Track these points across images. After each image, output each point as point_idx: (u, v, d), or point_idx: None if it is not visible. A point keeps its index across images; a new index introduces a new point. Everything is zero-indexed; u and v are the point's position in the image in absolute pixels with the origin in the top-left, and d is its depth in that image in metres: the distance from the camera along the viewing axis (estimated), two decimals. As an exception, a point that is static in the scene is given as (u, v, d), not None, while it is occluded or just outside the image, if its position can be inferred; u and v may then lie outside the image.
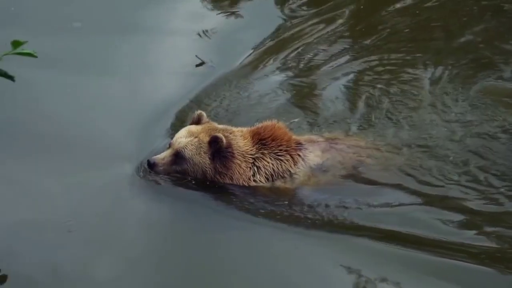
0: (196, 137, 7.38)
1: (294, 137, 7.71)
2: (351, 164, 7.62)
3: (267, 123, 7.68)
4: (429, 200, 7.42)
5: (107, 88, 9.11)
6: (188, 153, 7.34)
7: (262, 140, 7.56)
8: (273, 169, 7.49)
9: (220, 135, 7.33)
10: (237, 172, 7.42)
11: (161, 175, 7.49)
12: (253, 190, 7.50)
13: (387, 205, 7.36)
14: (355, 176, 7.60)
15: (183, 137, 7.41)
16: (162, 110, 8.69)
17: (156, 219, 7.27)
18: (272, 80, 9.46)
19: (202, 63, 9.76)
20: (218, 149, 7.34)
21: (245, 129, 7.67)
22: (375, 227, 7.08)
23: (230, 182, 7.46)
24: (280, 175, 7.52)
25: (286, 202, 7.38)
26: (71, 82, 9.10)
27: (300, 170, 7.52)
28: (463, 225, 7.11)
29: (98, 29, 10.27)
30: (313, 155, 7.59)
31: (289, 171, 7.51)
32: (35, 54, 4.78)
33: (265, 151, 7.51)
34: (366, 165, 7.62)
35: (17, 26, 9.65)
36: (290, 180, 7.52)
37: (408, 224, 7.11)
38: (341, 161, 7.60)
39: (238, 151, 7.45)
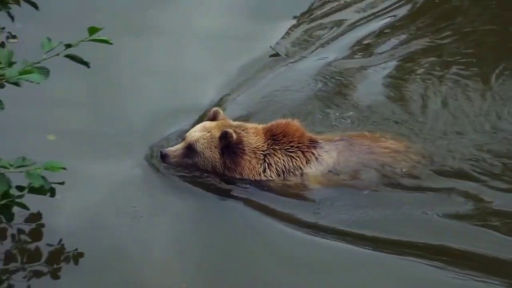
0: (209, 132, 7.49)
1: (308, 134, 7.69)
2: (372, 167, 7.56)
3: (281, 120, 7.72)
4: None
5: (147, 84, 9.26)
6: (199, 146, 7.47)
7: (273, 136, 7.58)
8: (284, 166, 7.52)
9: (230, 130, 7.43)
10: (247, 168, 7.51)
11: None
12: (264, 184, 7.54)
13: (400, 214, 7.27)
14: (372, 180, 7.54)
15: (196, 131, 7.55)
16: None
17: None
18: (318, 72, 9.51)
19: (276, 54, 9.84)
20: (227, 144, 7.44)
21: (259, 126, 7.73)
22: (379, 235, 7.01)
23: (240, 177, 7.55)
24: (291, 172, 7.53)
25: (294, 199, 7.42)
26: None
27: (312, 169, 7.53)
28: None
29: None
30: (327, 156, 7.58)
31: (300, 168, 7.52)
32: (110, 41, 4.83)
33: (276, 147, 7.54)
34: (388, 169, 7.56)
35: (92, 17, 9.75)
36: (300, 177, 7.54)
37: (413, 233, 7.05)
38: (359, 163, 7.56)
39: (249, 147, 7.51)
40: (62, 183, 5.29)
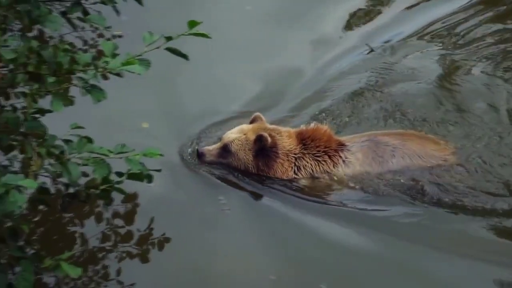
0: (244, 134, 7.72)
1: (335, 138, 7.84)
2: (397, 168, 7.69)
3: (311, 125, 7.92)
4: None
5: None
6: (234, 147, 7.71)
7: (303, 140, 7.79)
8: (312, 169, 7.73)
9: (265, 134, 7.63)
10: (280, 171, 7.73)
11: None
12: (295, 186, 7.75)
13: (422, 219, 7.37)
14: (396, 182, 7.65)
15: (233, 133, 7.80)
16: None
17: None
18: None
19: (371, 51, 9.88)
20: (262, 147, 7.65)
21: (292, 130, 7.93)
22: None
23: (273, 176, 7.77)
24: (320, 175, 7.73)
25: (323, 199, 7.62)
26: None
27: (339, 172, 7.69)
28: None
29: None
30: (354, 158, 7.70)
31: (328, 172, 7.71)
32: (209, 36, 4.96)
33: (305, 151, 7.75)
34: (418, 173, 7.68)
35: (193, 7, 9.98)
36: (329, 181, 7.71)
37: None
38: (384, 164, 7.69)
39: (282, 151, 7.72)
40: (159, 170, 5.49)
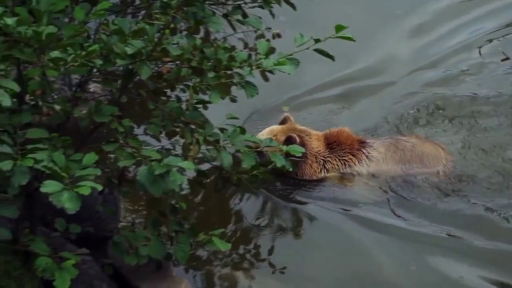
0: (274, 135, 7.82)
1: (357, 137, 8.16)
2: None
3: (334, 129, 8.19)
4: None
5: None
6: (264, 149, 7.76)
7: (330, 144, 8.03)
8: (339, 170, 8.01)
9: (294, 135, 7.79)
10: (308, 172, 7.96)
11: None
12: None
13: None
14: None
15: (263, 134, 7.91)
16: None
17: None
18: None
19: (507, 58, 9.84)
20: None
21: (320, 132, 8.13)
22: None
23: (301, 177, 7.99)
24: (347, 174, 8.02)
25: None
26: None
27: (364, 167, 7.98)
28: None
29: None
30: (376, 152, 8.00)
31: (355, 170, 8.00)
32: (353, 39, 5.22)
33: (332, 154, 7.97)
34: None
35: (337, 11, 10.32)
36: (356, 177, 8.00)
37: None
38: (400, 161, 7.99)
39: (311, 152, 7.95)
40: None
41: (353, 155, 8.08)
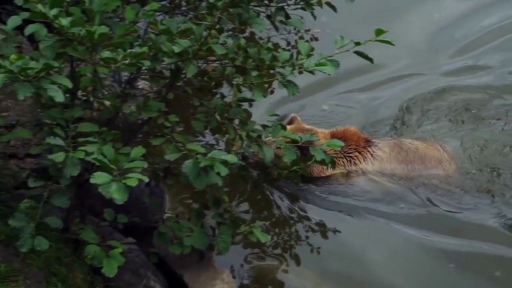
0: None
1: (364, 136, 8.28)
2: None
3: (340, 127, 8.28)
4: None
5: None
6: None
7: None
8: (345, 167, 8.12)
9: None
10: (316, 169, 8.03)
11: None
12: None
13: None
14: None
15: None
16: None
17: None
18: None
19: None
20: (298, 148, 7.68)
21: (327, 131, 8.18)
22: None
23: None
24: (353, 171, 8.12)
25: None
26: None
27: (369, 165, 8.10)
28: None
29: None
30: (381, 152, 8.12)
31: (360, 168, 8.10)
32: (392, 43, 5.31)
33: (338, 151, 7.97)
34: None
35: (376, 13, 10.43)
36: (361, 175, 8.09)
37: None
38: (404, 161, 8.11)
39: None
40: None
41: (359, 152, 8.24)
